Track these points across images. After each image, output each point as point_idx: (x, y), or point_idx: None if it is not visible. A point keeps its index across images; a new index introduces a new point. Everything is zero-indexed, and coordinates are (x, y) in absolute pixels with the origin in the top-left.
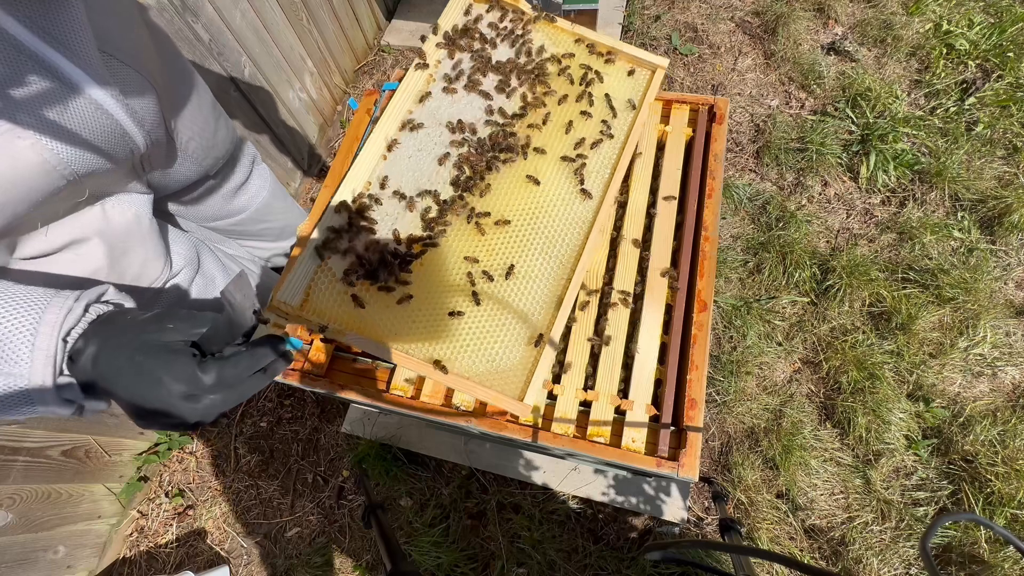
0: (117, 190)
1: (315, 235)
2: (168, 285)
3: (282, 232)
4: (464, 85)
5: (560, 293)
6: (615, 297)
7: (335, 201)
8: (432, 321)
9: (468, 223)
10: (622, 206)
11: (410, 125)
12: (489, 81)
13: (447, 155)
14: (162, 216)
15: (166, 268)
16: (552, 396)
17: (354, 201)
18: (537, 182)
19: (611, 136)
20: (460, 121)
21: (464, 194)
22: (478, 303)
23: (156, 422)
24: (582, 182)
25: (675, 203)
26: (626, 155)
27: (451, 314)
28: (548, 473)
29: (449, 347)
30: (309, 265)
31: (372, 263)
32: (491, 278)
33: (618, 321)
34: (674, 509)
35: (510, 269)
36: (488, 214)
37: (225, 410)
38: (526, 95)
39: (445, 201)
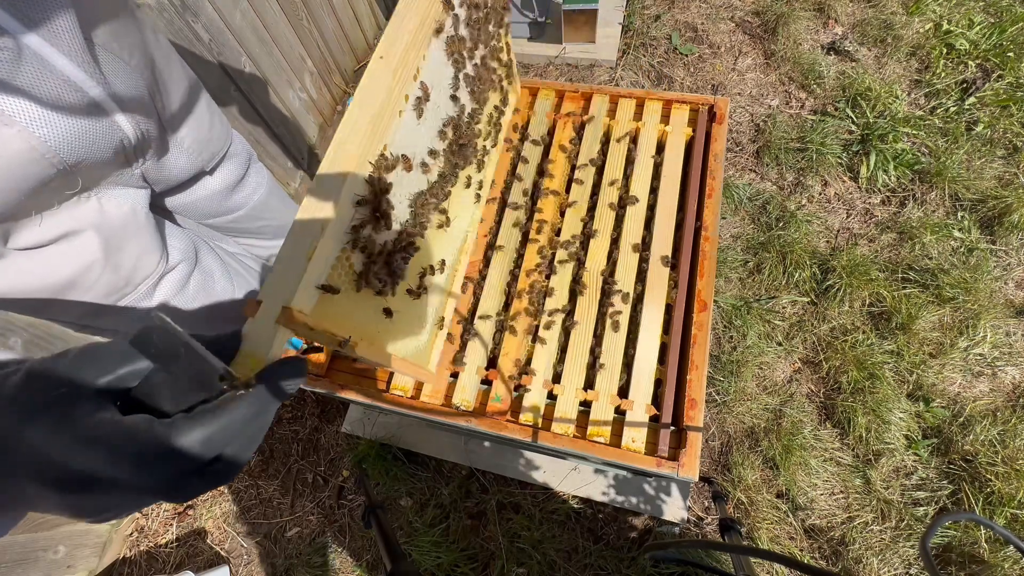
0: (111, 182)
1: (331, 210)
2: (164, 278)
3: (279, 230)
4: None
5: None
6: (615, 297)
7: (357, 164)
8: (409, 317)
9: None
10: (623, 206)
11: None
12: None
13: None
14: (159, 213)
15: (162, 262)
16: (552, 396)
17: (376, 170)
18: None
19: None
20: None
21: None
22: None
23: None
24: (480, 188)
25: (675, 203)
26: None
27: (409, 292)
28: (548, 473)
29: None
30: (332, 253)
31: (384, 260)
32: (438, 271)
33: (618, 320)
34: (674, 509)
35: (442, 263)
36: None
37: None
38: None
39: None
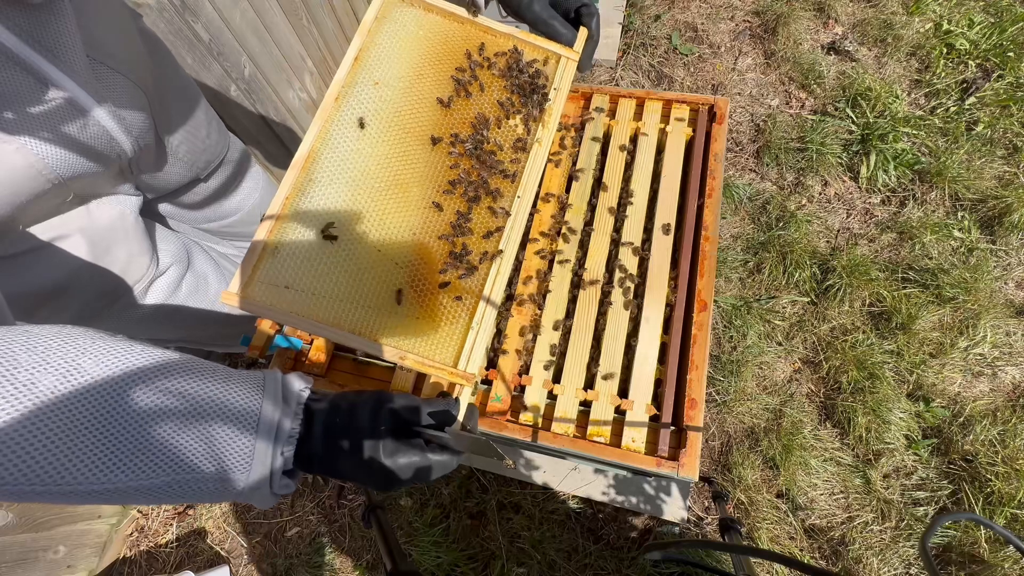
0: (104, 192)
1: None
2: (156, 281)
3: None
4: None
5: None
6: (614, 296)
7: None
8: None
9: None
10: (622, 207)
11: None
12: None
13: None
14: (153, 217)
15: (152, 265)
16: (552, 396)
17: None
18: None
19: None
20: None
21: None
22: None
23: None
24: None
25: (675, 203)
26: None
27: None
28: (548, 473)
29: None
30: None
31: None
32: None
33: (618, 320)
34: (674, 509)
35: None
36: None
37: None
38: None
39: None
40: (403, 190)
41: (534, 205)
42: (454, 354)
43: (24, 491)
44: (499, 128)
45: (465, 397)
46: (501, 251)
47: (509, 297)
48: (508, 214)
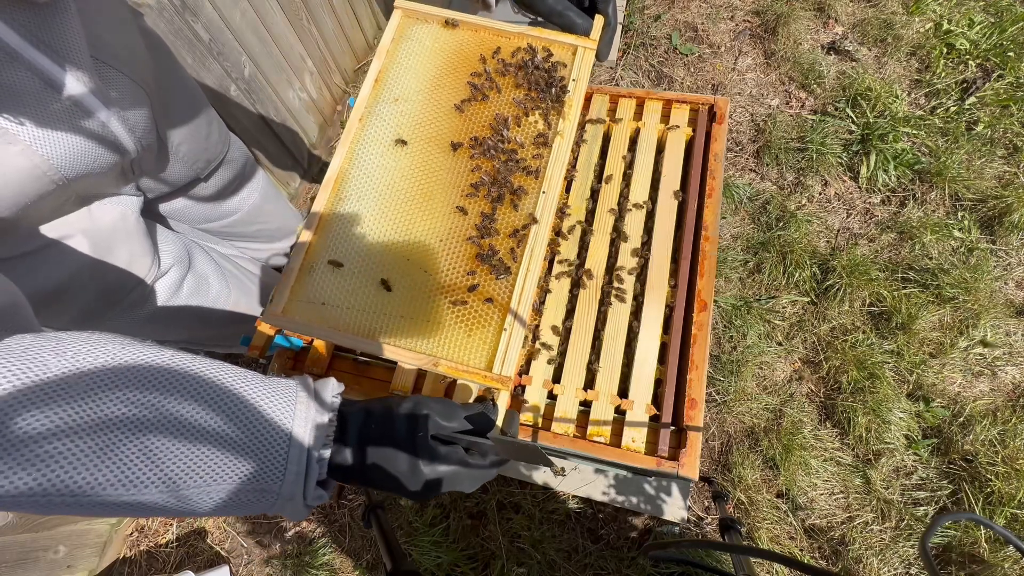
0: (106, 193)
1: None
2: (157, 282)
3: (275, 234)
4: None
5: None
6: (614, 295)
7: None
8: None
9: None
10: (622, 206)
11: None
12: None
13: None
14: (153, 218)
15: (154, 266)
16: (552, 396)
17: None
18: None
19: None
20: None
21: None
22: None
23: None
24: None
25: (675, 203)
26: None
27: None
28: (548, 473)
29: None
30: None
31: None
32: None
33: (617, 320)
34: (674, 509)
35: None
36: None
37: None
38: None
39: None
40: (428, 198)
41: None
42: (487, 358)
43: (53, 502)
44: (519, 126)
45: (503, 401)
46: (529, 250)
47: None
48: (533, 212)
